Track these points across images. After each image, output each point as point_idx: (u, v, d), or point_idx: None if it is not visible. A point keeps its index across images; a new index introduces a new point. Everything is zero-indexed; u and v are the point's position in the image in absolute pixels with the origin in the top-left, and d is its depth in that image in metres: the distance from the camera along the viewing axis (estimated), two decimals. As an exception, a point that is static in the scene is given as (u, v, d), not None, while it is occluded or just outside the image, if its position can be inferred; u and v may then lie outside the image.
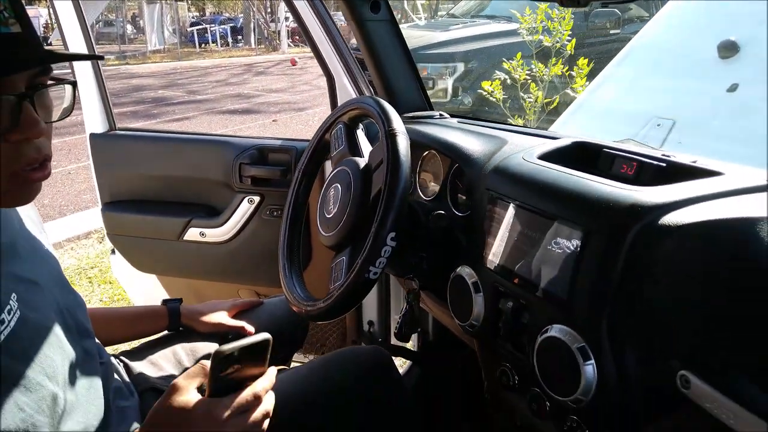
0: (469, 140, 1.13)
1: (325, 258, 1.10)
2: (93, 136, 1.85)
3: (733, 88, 1.61)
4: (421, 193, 1.27)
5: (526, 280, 0.81)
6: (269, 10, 20.36)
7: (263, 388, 0.74)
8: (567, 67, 3.89)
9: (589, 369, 0.70)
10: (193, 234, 1.79)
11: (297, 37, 19.14)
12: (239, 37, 20.06)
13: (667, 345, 0.66)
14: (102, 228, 2.20)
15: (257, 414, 0.73)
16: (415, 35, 5.44)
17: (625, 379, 0.69)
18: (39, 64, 0.70)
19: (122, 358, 1.13)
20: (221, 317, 1.22)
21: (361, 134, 1.19)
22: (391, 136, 0.99)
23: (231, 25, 20.32)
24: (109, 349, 1.06)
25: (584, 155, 0.94)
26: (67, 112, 0.77)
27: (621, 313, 0.69)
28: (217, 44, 18.89)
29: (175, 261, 1.85)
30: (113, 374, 0.99)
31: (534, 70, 4.06)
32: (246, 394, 0.72)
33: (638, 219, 0.69)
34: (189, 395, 0.72)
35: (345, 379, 1.12)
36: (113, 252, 2.01)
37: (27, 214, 0.89)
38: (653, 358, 0.67)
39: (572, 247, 0.74)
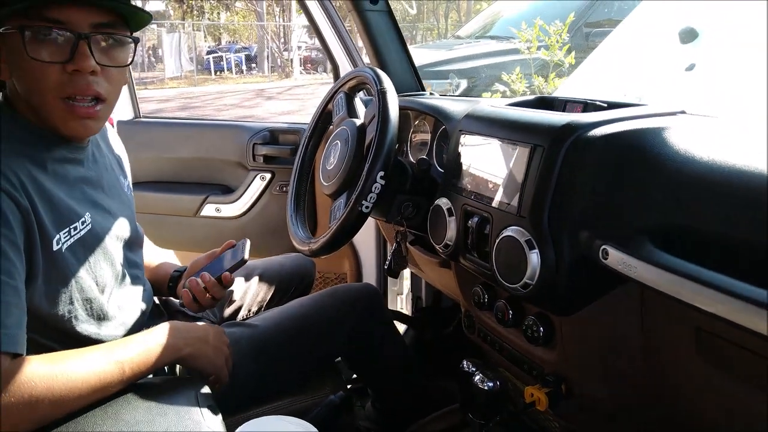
0: (451, 104, 1.31)
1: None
2: (120, 123, 2.05)
3: (690, 68, 1.83)
4: (412, 158, 1.44)
5: (488, 197, 0.98)
6: (282, 39, 20.86)
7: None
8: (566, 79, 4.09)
9: (534, 256, 0.87)
10: (209, 210, 1.97)
11: (309, 65, 19.58)
12: (253, 65, 20.54)
13: (591, 228, 0.82)
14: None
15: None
16: (420, 54, 5.68)
17: (561, 259, 0.85)
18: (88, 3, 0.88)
19: None
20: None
21: (359, 102, 1.37)
22: (382, 93, 1.17)
23: (245, 53, 20.83)
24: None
25: (543, 105, 1.12)
26: (124, 63, 0.95)
27: (557, 209, 0.86)
28: (231, 71, 19.35)
29: (192, 236, 2.03)
30: (152, 298, 1.18)
31: (534, 84, 4.27)
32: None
33: (571, 134, 0.86)
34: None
35: (335, 306, 1.29)
36: (135, 229, 2.19)
37: (125, 167, 1.19)
38: (581, 240, 0.83)
39: (522, 162, 0.91)
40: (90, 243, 0.93)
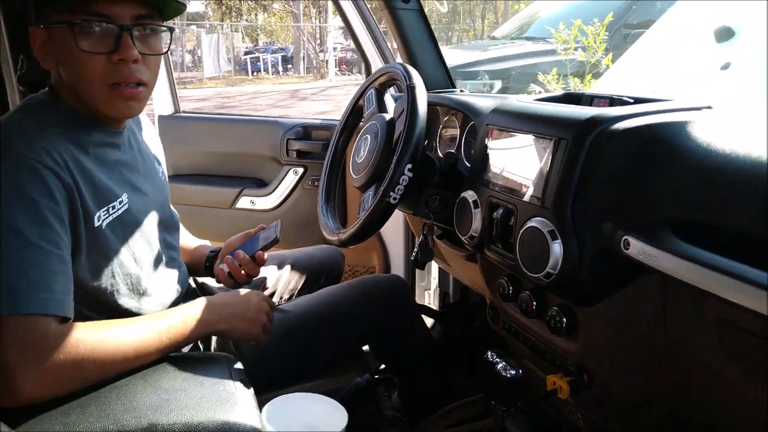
0: (480, 100, 1.34)
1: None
2: (161, 117, 2.13)
3: (725, 67, 1.82)
4: (440, 154, 1.47)
5: (513, 189, 1.00)
6: (318, 40, 21.05)
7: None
8: (603, 81, 4.04)
9: (557, 246, 0.88)
10: (244, 203, 2.04)
11: (344, 66, 19.71)
12: (289, 65, 20.78)
13: (614, 220, 0.84)
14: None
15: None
16: (454, 55, 5.68)
17: (583, 250, 0.87)
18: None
19: None
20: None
21: (389, 98, 1.40)
22: (411, 88, 1.20)
23: (282, 54, 21.07)
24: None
25: (570, 100, 1.13)
26: (161, 50, 1.02)
27: (580, 201, 0.87)
28: (268, 72, 19.61)
29: (228, 227, 2.08)
30: (188, 280, 1.24)
31: (570, 85, 4.24)
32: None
33: (595, 127, 0.87)
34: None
35: (363, 295, 1.33)
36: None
37: (160, 155, 1.21)
38: (603, 231, 0.85)
39: (547, 155, 0.93)
40: (127, 222, 0.99)
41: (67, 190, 0.88)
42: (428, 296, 2.09)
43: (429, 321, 1.98)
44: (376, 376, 1.71)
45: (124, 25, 0.93)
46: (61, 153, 0.89)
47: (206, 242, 1.45)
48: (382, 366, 1.74)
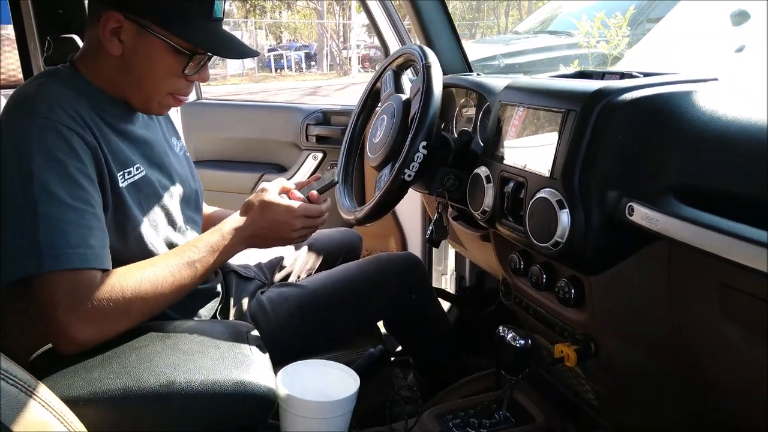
0: (495, 80, 1.36)
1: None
2: (183, 105, 2.18)
3: (740, 49, 1.81)
4: (456, 135, 1.49)
5: (523, 163, 1.02)
6: (342, 38, 21.11)
7: (326, 209, 1.12)
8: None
9: (564, 215, 0.90)
10: (264, 188, 2.08)
11: (367, 63, 19.74)
12: (312, 63, 20.88)
13: (619, 187, 0.86)
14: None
15: (317, 221, 1.11)
16: (477, 48, 5.68)
17: (589, 218, 0.88)
18: (242, 57, 1.06)
19: None
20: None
21: (406, 80, 1.43)
22: (426, 67, 1.22)
23: (305, 51, 21.18)
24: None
25: (583, 77, 1.15)
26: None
27: (588, 170, 0.89)
28: (291, 69, 19.72)
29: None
30: None
31: (592, 77, 4.21)
32: (317, 207, 1.11)
33: (602, 98, 0.89)
34: (275, 195, 1.09)
35: (378, 272, 1.36)
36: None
37: (175, 134, 1.26)
38: (609, 199, 0.87)
39: (556, 127, 0.95)
40: (144, 190, 1.04)
41: (92, 149, 0.93)
42: (445, 280, 2.11)
43: (446, 305, 2.00)
44: (393, 359, 1.74)
45: (209, 54, 1.02)
46: (81, 115, 0.94)
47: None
48: (399, 348, 1.77)
